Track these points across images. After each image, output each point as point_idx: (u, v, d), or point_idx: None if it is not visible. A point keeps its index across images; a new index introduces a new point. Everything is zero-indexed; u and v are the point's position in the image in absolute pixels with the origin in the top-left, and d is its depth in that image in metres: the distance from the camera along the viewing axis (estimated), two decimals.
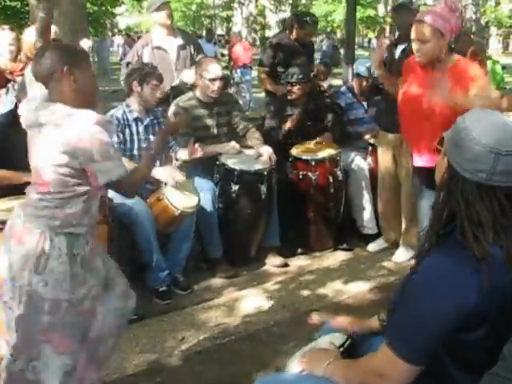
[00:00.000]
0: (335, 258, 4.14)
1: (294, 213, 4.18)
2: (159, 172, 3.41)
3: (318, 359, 1.69)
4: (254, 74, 12.61)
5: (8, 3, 14.67)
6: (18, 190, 3.11)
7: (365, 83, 4.55)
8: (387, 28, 31.34)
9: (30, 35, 4.21)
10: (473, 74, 3.05)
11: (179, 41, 4.54)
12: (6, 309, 2.10)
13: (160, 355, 2.82)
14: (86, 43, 4.26)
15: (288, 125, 4.35)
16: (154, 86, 3.60)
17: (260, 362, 2.81)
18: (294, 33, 5.08)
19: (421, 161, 3.28)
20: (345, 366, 1.62)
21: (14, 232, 2.08)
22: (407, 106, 3.29)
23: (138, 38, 14.97)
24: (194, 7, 28.68)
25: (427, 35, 3.00)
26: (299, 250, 4.21)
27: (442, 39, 3.01)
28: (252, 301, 3.40)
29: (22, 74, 4.46)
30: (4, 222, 2.78)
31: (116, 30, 30.76)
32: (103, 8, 15.45)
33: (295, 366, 1.74)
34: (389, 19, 30.55)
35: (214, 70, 3.93)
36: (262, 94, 11.70)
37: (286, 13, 36.67)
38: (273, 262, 4.01)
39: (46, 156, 1.99)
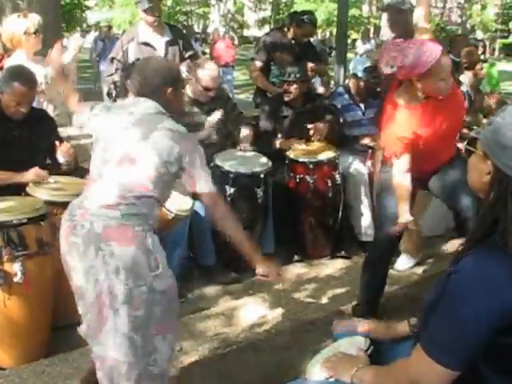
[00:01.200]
0: (333, 265, 4.17)
1: (289, 218, 4.21)
2: None
3: (345, 365, 1.70)
4: (235, 74, 12.69)
5: None
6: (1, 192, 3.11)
7: (362, 84, 4.61)
8: (371, 29, 31.78)
9: (11, 25, 4.15)
10: None
11: (167, 37, 4.53)
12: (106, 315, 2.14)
13: None
14: (77, 40, 4.19)
15: (279, 144, 4.37)
16: None
17: (264, 372, 2.82)
18: (291, 31, 5.15)
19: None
20: (375, 373, 1.63)
21: (109, 235, 2.12)
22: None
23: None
24: (169, 2, 28.62)
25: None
26: (295, 258, 4.23)
27: None
28: (251, 309, 3.42)
29: (1, 68, 4.41)
30: None
31: (85, 26, 30.52)
32: (76, 0, 15.30)
33: (317, 371, 1.75)
34: (373, 20, 30.98)
35: (211, 80, 3.97)
36: (243, 96, 11.74)
37: (267, 11, 36.90)
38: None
39: (151, 158, 2.17)
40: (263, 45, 5.31)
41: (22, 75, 3.28)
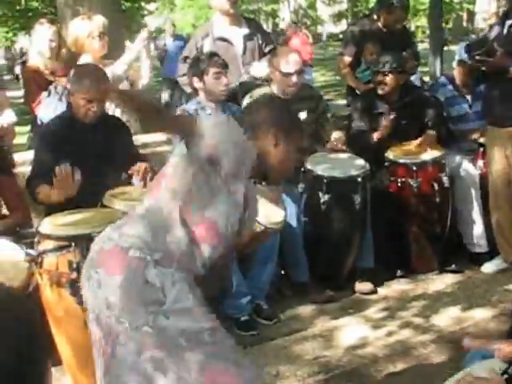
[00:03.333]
0: (443, 281, 4.06)
1: (391, 228, 4.14)
2: None
3: None
4: (313, 74, 12.68)
5: (29, 4, 15.29)
6: (77, 203, 3.18)
7: (467, 71, 4.48)
8: (464, 15, 31.04)
9: (74, 28, 4.30)
10: None
11: (245, 30, 4.59)
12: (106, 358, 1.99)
13: None
14: (144, 35, 4.30)
15: (378, 135, 4.29)
16: (215, 74, 3.74)
17: None
18: (382, 19, 5.13)
19: None
20: None
21: (103, 259, 2.00)
22: None
23: None
24: None
25: None
26: (398, 273, 4.15)
27: None
28: (352, 331, 3.38)
29: (66, 75, 4.60)
30: (64, 238, 2.87)
31: None
32: (137, 5, 15.82)
33: None
34: (466, 5, 30.20)
35: (292, 61, 3.98)
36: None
37: (343, 4, 36.83)
38: (360, 289, 3.97)
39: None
40: (351, 36, 5.29)
41: (90, 71, 3.39)
